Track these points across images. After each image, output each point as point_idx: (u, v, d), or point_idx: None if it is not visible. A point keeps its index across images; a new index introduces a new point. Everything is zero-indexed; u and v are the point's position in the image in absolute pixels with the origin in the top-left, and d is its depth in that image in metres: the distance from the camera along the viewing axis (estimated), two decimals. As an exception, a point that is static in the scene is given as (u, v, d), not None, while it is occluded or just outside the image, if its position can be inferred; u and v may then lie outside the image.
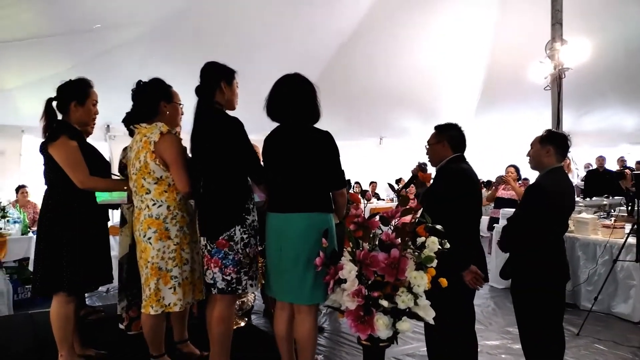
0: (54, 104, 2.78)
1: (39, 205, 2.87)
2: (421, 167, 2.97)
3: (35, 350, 3.33)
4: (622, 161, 9.15)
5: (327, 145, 2.37)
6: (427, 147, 2.77)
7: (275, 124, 2.50)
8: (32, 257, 4.72)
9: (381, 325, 2.08)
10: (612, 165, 8.98)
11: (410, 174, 3.00)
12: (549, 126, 5.20)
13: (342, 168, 2.44)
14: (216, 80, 2.48)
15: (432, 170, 2.82)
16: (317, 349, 3.21)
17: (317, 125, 2.46)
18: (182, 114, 2.79)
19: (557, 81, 5.30)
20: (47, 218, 2.72)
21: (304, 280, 2.34)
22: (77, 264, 2.69)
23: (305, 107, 2.40)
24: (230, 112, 2.53)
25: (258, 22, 6.38)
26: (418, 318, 2.15)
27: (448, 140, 2.67)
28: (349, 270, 2.16)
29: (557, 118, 5.33)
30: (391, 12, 7.12)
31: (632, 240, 4.07)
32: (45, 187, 2.80)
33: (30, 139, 7.25)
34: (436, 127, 2.75)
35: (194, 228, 2.67)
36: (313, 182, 2.36)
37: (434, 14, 7.32)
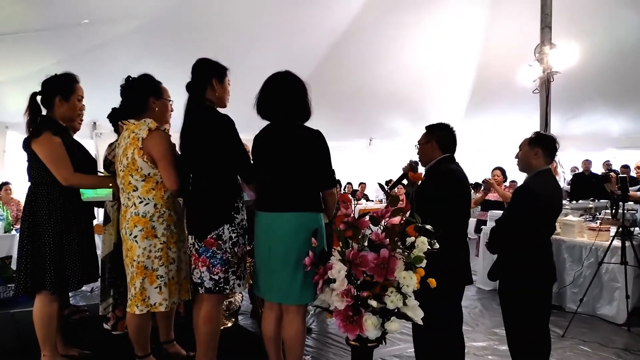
0: (39, 98, 2.73)
1: (23, 203, 2.82)
2: (412, 166, 2.94)
3: (18, 350, 3.27)
4: (607, 165, 9.27)
5: (317, 144, 2.35)
6: (417, 147, 2.78)
7: (265, 122, 2.48)
8: (14, 255, 4.64)
9: (370, 326, 2.07)
10: (598, 169, 9.09)
11: (402, 172, 2.99)
12: (537, 129, 5.25)
13: (333, 167, 2.43)
14: (207, 77, 2.46)
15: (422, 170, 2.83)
16: (305, 349, 3.19)
17: (306, 125, 2.45)
18: (171, 111, 2.75)
19: (545, 85, 5.34)
20: (30, 215, 2.66)
21: (293, 280, 2.32)
22: (61, 262, 2.65)
23: (296, 105, 2.38)
24: (220, 110, 2.51)
25: (250, 20, 6.34)
26: (407, 318, 2.15)
27: (437, 140, 2.67)
28: (338, 269, 2.15)
29: (545, 121, 5.38)
30: (382, 13, 7.13)
31: (617, 242, 4.12)
32: (29, 184, 2.75)
33: (14, 136, 7.13)
34: (426, 127, 2.75)
35: (182, 227, 2.63)
36: (303, 181, 2.34)
37: (425, 16, 7.35)
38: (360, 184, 11.01)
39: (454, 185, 2.56)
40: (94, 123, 7.57)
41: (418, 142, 2.77)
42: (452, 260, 2.45)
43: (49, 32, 5.34)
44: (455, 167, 2.63)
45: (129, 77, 2.63)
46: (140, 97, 2.58)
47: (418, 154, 2.79)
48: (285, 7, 6.34)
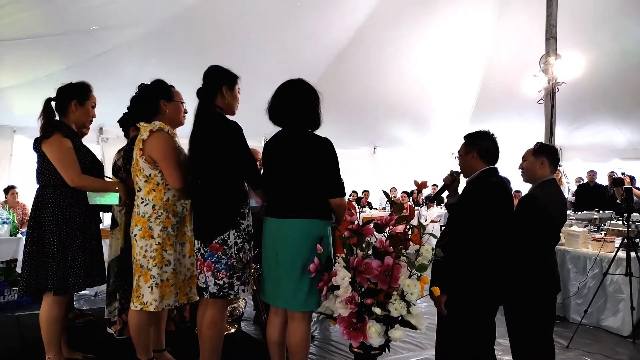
0: (53, 104, 2.80)
1: (29, 207, 2.86)
2: (453, 176, 2.78)
3: (22, 352, 3.29)
4: (611, 176, 9.23)
5: (326, 152, 2.36)
6: (457, 157, 2.67)
7: (275, 129, 2.50)
8: (20, 258, 4.66)
9: (373, 333, 2.07)
10: (603, 180, 9.06)
11: (443, 183, 2.87)
12: (542, 139, 5.24)
13: (341, 176, 2.43)
14: (218, 84, 2.49)
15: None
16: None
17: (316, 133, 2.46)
18: (185, 112, 2.77)
19: (550, 95, 5.34)
20: (36, 217, 2.70)
21: (299, 286, 2.32)
22: (63, 264, 2.66)
23: (307, 112, 2.40)
24: (229, 117, 2.54)
25: (256, 29, 6.40)
26: (410, 326, 2.15)
27: (478, 151, 2.52)
28: (342, 276, 2.16)
29: (550, 132, 5.38)
30: (387, 23, 7.17)
31: (622, 254, 4.10)
32: (37, 186, 2.78)
33: (22, 140, 7.20)
34: (466, 137, 2.63)
35: (183, 230, 2.67)
36: (311, 188, 2.35)
37: (430, 26, 7.39)
38: (364, 191, 11.01)
39: (498, 200, 2.43)
40: (101, 128, 7.64)
41: (458, 152, 2.66)
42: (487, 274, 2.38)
43: (58, 38, 5.41)
44: (499, 181, 2.51)
45: (141, 84, 2.69)
46: (151, 100, 2.64)
47: (459, 164, 2.66)
48: (291, 17, 6.39)
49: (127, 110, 3.36)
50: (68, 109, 2.80)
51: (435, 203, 9.44)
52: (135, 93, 2.71)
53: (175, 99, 2.71)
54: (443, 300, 2.39)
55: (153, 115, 2.63)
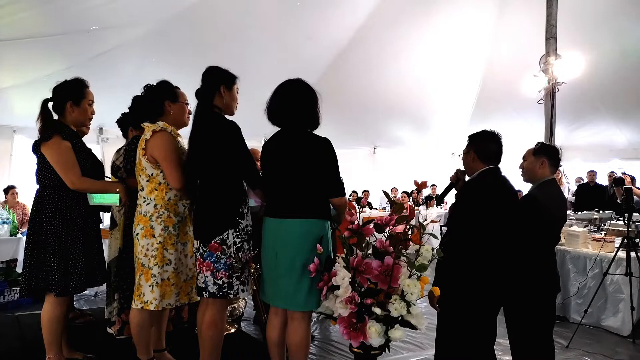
0: (50, 105, 2.78)
1: (29, 207, 2.85)
2: (458, 175, 2.75)
3: (22, 352, 3.28)
4: (611, 176, 9.23)
5: (325, 152, 2.36)
6: (460, 156, 2.66)
7: (274, 129, 2.50)
8: (20, 258, 4.66)
9: (373, 333, 2.07)
10: (603, 180, 9.06)
11: (449, 182, 2.84)
12: (542, 139, 5.24)
13: (340, 175, 2.43)
14: (216, 84, 2.49)
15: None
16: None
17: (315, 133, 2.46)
18: (189, 114, 2.77)
19: (550, 95, 5.34)
20: (36, 218, 2.69)
21: (298, 286, 2.32)
22: (64, 265, 2.66)
23: (306, 112, 2.40)
24: (228, 117, 2.54)
25: (256, 29, 6.40)
26: (410, 326, 2.15)
27: (476, 150, 2.51)
28: (342, 276, 2.16)
29: (550, 132, 5.37)
30: (387, 23, 7.17)
31: (622, 254, 4.10)
32: (37, 187, 2.78)
33: (22, 139, 7.21)
34: (468, 137, 2.62)
35: (184, 230, 2.67)
36: (310, 187, 2.35)
37: (430, 26, 7.39)
38: (364, 191, 11.01)
39: (497, 200, 2.40)
40: (101, 128, 7.65)
41: (462, 151, 2.65)
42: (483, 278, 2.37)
43: (58, 38, 5.41)
44: (498, 181, 2.48)
45: (147, 85, 2.70)
46: (156, 100, 2.64)
47: (463, 164, 2.66)
48: (291, 17, 6.39)
49: (127, 111, 3.36)
50: (64, 110, 2.77)
51: (436, 203, 9.43)
52: (141, 93, 2.72)
53: (180, 100, 2.72)
54: (436, 298, 2.38)
55: (158, 116, 2.64)
